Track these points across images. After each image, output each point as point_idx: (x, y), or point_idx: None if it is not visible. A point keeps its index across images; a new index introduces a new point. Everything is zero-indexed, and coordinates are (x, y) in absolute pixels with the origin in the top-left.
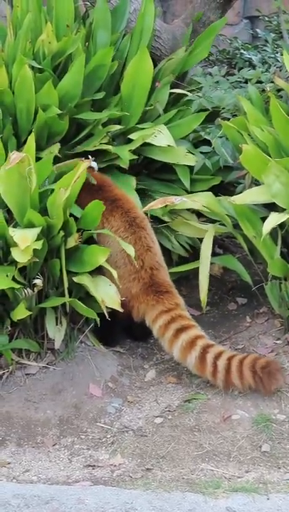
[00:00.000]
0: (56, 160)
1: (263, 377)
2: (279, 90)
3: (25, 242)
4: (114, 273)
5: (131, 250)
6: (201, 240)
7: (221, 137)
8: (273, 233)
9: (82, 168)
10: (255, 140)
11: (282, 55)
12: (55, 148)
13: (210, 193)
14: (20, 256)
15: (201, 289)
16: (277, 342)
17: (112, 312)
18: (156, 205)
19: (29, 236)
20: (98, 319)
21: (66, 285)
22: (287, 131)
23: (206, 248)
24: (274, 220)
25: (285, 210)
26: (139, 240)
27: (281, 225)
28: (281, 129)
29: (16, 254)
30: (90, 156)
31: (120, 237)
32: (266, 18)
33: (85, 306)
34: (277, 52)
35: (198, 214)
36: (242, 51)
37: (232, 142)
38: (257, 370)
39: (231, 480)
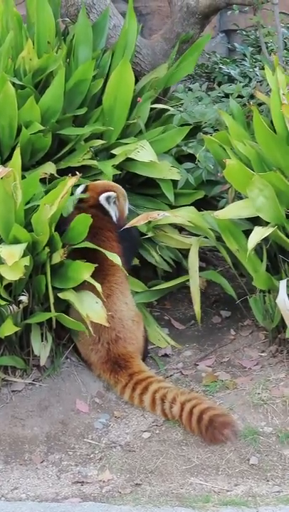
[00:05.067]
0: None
1: (207, 431)
2: (260, 104)
3: (12, 258)
4: (98, 287)
5: (117, 259)
6: (183, 253)
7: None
8: (256, 246)
9: (69, 185)
10: (237, 154)
11: (260, 69)
12: (48, 168)
13: (192, 207)
14: (11, 274)
15: (194, 302)
16: (262, 354)
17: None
18: (140, 221)
19: (16, 252)
20: (87, 331)
21: (52, 301)
22: (269, 146)
23: (193, 262)
24: (258, 234)
25: (268, 223)
26: None
27: (265, 239)
28: (264, 144)
29: (5, 272)
30: (77, 172)
31: None
32: (244, 32)
33: (71, 319)
34: (255, 67)
35: (180, 228)
36: (221, 65)
37: (214, 156)
38: (202, 423)
39: (220, 493)
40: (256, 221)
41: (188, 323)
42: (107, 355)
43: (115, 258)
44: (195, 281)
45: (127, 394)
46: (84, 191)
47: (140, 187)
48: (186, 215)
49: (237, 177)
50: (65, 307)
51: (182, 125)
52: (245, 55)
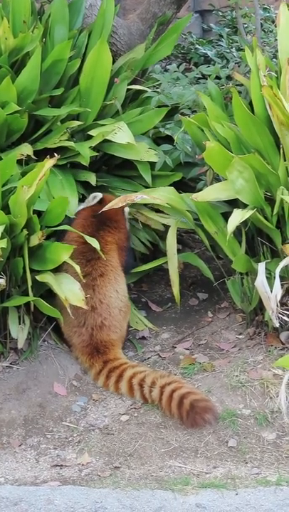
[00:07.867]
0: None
1: (188, 416)
2: (237, 86)
3: None
4: (77, 268)
5: (96, 243)
6: (160, 236)
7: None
8: (235, 229)
9: (47, 166)
10: (216, 136)
11: (237, 50)
12: (25, 149)
13: (172, 188)
14: None
15: (173, 285)
16: (240, 337)
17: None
18: (117, 204)
19: None
20: (62, 318)
21: (30, 284)
22: (249, 128)
23: (171, 245)
24: (238, 217)
25: (247, 206)
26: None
27: (243, 222)
28: (243, 125)
29: None
30: (55, 154)
31: None
32: (220, 13)
33: (48, 305)
34: (232, 48)
35: (157, 210)
36: (197, 46)
37: (193, 138)
38: (183, 408)
39: (200, 476)
40: (234, 203)
41: (165, 305)
42: (90, 339)
43: (94, 242)
44: (173, 263)
45: (101, 381)
46: (100, 201)
47: (117, 169)
48: (164, 196)
49: (217, 159)
50: (45, 290)
51: (160, 106)
52: (221, 35)
